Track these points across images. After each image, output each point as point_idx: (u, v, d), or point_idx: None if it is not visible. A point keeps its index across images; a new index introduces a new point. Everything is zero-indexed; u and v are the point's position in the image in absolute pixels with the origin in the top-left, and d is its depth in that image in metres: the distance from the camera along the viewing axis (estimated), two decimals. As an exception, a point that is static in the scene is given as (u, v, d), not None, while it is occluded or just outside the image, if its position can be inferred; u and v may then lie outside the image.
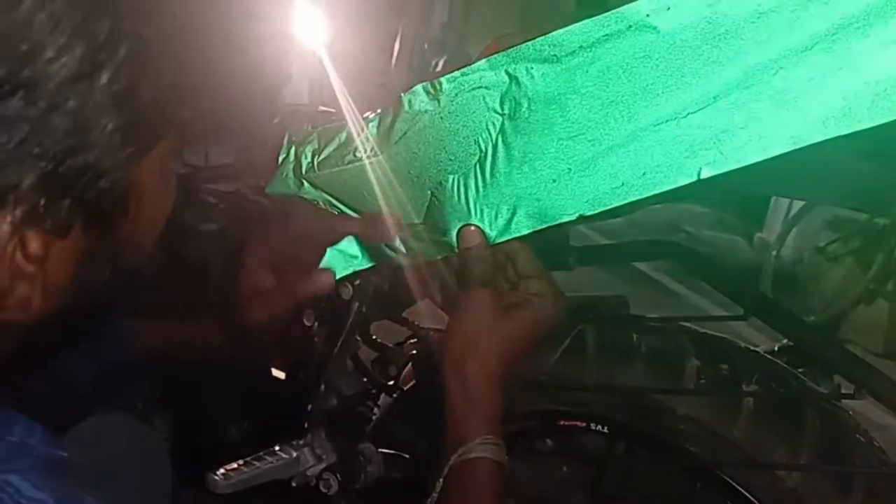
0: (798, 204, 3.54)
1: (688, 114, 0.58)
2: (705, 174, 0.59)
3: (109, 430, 0.68)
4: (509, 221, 0.70)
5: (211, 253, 0.98)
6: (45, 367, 0.72)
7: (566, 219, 0.66)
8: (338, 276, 0.88)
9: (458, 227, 0.73)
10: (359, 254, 0.87)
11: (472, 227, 0.71)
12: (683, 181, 0.60)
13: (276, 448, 0.87)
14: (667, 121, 0.59)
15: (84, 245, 0.45)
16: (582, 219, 0.65)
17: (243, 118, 0.54)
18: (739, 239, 4.95)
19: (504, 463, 0.69)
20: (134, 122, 0.42)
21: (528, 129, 0.65)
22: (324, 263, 0.89)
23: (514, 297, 0.72)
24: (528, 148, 0.66)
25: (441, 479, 0.68)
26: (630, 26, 0.58)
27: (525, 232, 0.69)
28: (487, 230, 0.72)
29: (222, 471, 0.81)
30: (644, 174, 0.61)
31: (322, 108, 1.04)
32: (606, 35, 0.60)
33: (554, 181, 0.65)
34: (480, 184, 0.70)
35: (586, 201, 0.64)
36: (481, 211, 0.71)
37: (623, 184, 0.62)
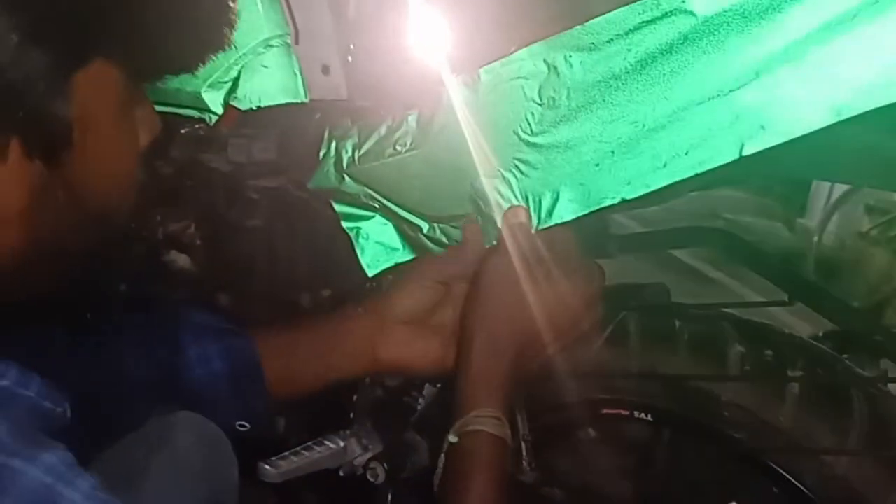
0: (839, 189, 3.47)
1: (729, 91, 0.58)
2: (748, 151, 0.59)
3: (178, 428, 0.68)
4: (553, 207, 0.70)
5: (256, 248, 1.00)
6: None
7: (609, 202, 0.66)
8: (380, 269, 0.89)
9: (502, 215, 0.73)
10: (400, 246, 0.88)
11: (521, 208, 0.71)
12: (726, 159, 0.60)
13: (324, 439, 0.88)
14: (709, 99, 0.59)
15: (31, 176, 0.45)
16: (624, 203, 0.65)
17: (193, 49, 0.53)
18: (780, 225, 4.87)
19: (504, 437, 0.67)
20: (40, 29, 0.41)
21: (569, 117, 0.66)
22: (366, 257, 0.90)
23: (540, 276, 0.71)
24: (570, 134, 0.66)
25: (443, 454, 0.68)
26: (666, 12, 0.59)
27: (569, 218, 0.70)
28: (532, 217, 0.72)
29: (273, 460, 0.82)
30: (687, 153, 0.61)
31: (361, 103, 1.05)
32: (644, 21, 0.60)
33: (597, 165, 0.66)
34: (522, 173, 0.71)
35: (629, 184, 0.65)
36: (525, 199, 0.72)
37: (666, 164, 0.62)
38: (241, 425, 0.75)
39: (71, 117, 0.45)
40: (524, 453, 0.85)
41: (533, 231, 0.71)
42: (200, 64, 0.55)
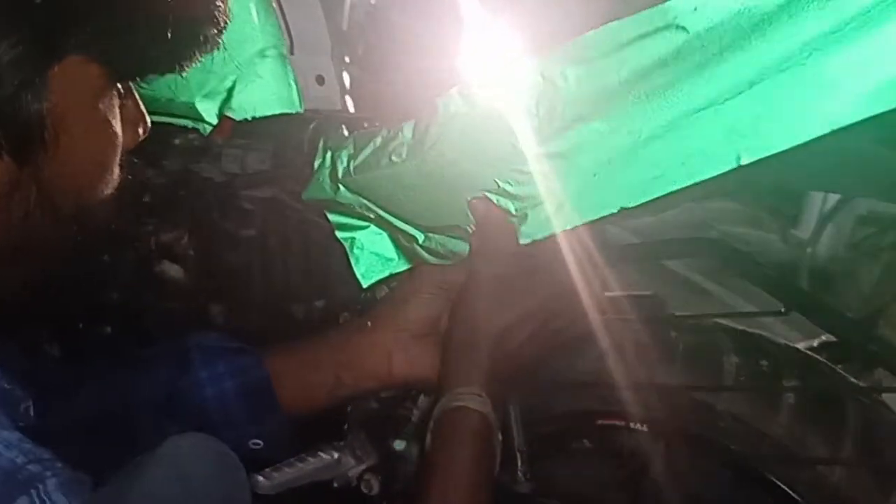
0: (832, 200, 3.49)
1: (724, 100, 0.59)
2: (744, 160, 0.59)
3: (191, 453, 0.67)
4: (550, 218, 0.70)
5: (250, 259, 0.99)
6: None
7: (606, 212, 0.66)
8: (375, 279, 0.89)
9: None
10: (395, 256, 0.88)
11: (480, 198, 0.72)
12: (723, 168, 0.60)
13: (318, 450, 0.88)
14: (704, 108, 0.59)
15: (3, 174, 0.44)
16: (623, 212, 0.65)
17: (175, 49, 0.51)
18: (773, 237, 4.88)
19: (486, 413, 0.66)
20: (11, 22, 0.41)
21: (566, 128, 0.66)
22: (360, 267, 0.89)
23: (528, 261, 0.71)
24: (567, 145, 0.66)
25: (428, 434, 0.67)
26: (658, 28, 0.59)
27: (566, 228, 0.69)
28: (529, 228, 0.72)
29: (267, 471, 0.81)
30: (683, 163, 0.61)
31: (355, 113, 1.05)
32: (636, 36, 0.60)
33: (594, 175, 0.66)
34: (519, 184, 0.71)
35: (627, 194, 0.65)
36: (522, 210, 0.72)
37: (663, 174, 0.63)
38: (254, 443, 0.74)
39: (44, 113, 0.44)
40: (520, 463, 0.84)
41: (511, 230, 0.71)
42: (185, 64, 0.53)
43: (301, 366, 0.75)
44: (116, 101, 0.52)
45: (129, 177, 0.56)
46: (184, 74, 0.55)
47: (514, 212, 0.72)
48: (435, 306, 0.76)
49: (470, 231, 0.76)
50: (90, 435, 0.68)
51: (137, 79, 0.54)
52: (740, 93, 0.58)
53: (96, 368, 0.73)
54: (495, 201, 0.73)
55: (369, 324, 0.76)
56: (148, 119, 0.57)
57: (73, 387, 0.70)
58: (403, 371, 0.75)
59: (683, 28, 0.58)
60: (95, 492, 0.53)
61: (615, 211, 0.66)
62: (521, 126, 0.68)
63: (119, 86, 0.52)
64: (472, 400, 0.66)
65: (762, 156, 0.58)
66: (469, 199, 0.74)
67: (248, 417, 0.72)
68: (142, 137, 0.57)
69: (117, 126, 0.52)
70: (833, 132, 0.56)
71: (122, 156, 0.55)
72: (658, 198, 0.64)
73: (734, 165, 0.59)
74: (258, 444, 0.74)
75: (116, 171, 0.53)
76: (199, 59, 0.54)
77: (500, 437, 0.68)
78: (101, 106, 0.50)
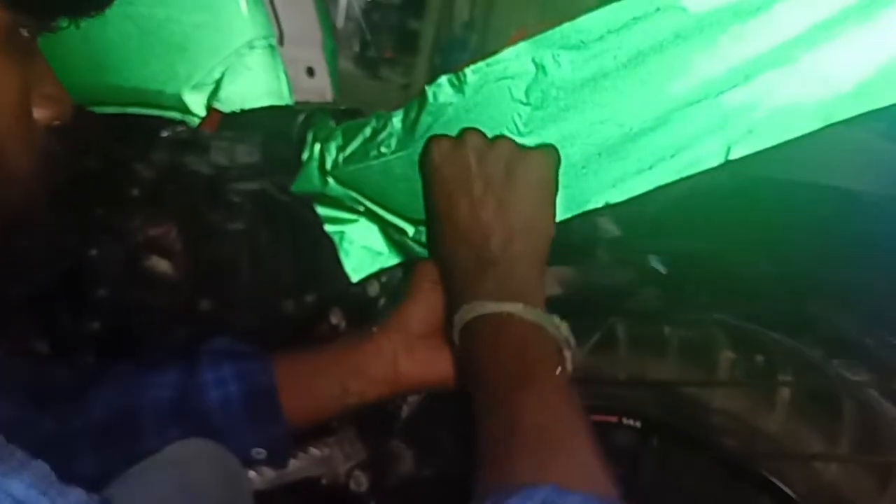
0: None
1: (718, 93, 0.58)
2: (734, 155, 0.58)
3: (194, 457, 0.66)
4: None
5: (239, 253, 0.99)
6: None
7: (594, 205, 0.65)
8: (365, 274, 0.88)
9: None
10: (385, 249, 0.87)
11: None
12: (713, 163, 0.59)
13: (308, 446, 0.87)
14: (697, 101, 0.59)
15: None
16: (609, 206, 0.64)
17: None
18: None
19: (500, 312, 0.60)
20: None
21: (557, 117, 0.65)
22: (350, 262, 0.88)
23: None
24: (557, 135, 0.65)
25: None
26: (658, 8, 0.58)
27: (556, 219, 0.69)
28: None
29: (259, 467, 0.80)
30: (673, 156, 0.61)
31: (344, 106, 1.04)
32: (635, 18, 0.59)
33: (583, 167, 0.65)
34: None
35: (615, 187, 0.64)
36: None
37: (652, 167, 0.62)
38: (257, 452, 0.72)
39: None
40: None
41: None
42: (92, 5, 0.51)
43: (307, 374, 0.73)
44: (17, 55, 0.49)
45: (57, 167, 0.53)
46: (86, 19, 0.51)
47: None
48: (435, 303, 0.74)
49: None
50: (98, 438, 0.67)
51: (38, 21, 0.50)
52: (734, 86, 0.58)
53: (106, 372, 0.71)
54: None
55: (374, 330, 0.75)
56: (67, 97, 0.54)
57: (80, 389, 0.69)
58: (411, 373, 0.73)
59: (684, 9, 0.57)
60: (99, 496, 0.52)
61: (602, 205, 0.65)
62: (512, 114, 0.66)
63: (25, 37, 0.49)
64: (507, 306, 0.61)
65: (753, 150, 0.58)
66: None
67: (251, 423, 0.70)
68: (61, 117, 0.54)
69: (13, 79, 0.49)
70: (823, 128, 0.55)
71: (37, 132, 0.52)
72: (646, 193, 0.63)
73: (724, 160, 0.59)
74: (261, 454, 0.72)
75: (16, 141, 0.49)
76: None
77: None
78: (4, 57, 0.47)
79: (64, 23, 0.51)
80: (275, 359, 0.72)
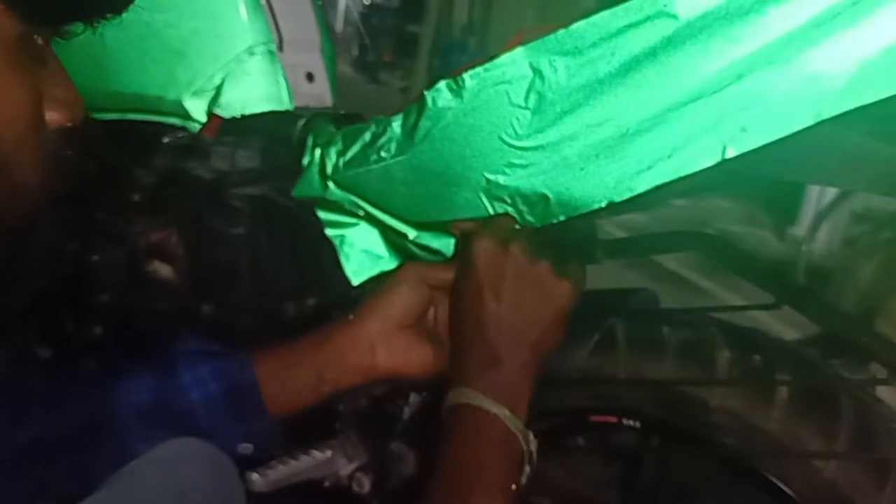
0: (828, 198, 3.50)
1: (712, 93, 0.59)
2: (730, 153, 0.59)
3: (183, 457, 0.67)
4: (539, 212, 0.70)
5: (240, 257, 0.99)
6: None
7: (595, 207, 0.66)
8: (365, 277, 0.88)
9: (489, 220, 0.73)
10: (385, 253, 0.88)
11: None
12: (709, 161, 0.60)
13: (310, 448, 0.87)
14: (692, 101, 0.60)
15: None
16: (612, 206, 0.65)
17: None
18: (769, 234, 4.90)
19: (484, 407, 0.66)
20: None
21: (555, 121, 0.66)
22: (350, 265, 0.89)
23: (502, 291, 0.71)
24: (556, 138, 0.66)
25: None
26: (648, 16, 0.59)
27: (556, 221, 0.69)
28: (519, 222, 0.72)
29: (261, 468, 0.81)
30: (670, 156, 0.62)
31: (344, 111, 1.05)
32: (627, 25, 0.60)
33: (582, 169, 0.66)
34: (508, 177, 0.70)
35: (614, 188, 0.65)
36: (512, 203, 0.71)
37: (650, 167, 0.63)
38: (244, 448, 0.73)
39: None
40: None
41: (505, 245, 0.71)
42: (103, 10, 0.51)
43: (283, 367, 0.74)
44: (31, 63, 0.49)
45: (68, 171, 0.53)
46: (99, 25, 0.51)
47: (503, 204, 0.72)
48: (417, 297, 0.75)
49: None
50: (77, 445, 0.67)
51: (50, 28, 0.51)
52: (728, 85, 0.59)
53: (80, 377, 0.72)
54: (484, 193, 0.72)
55: (351, 317, 0.76)
56: (79, 99, 0.54)
57: (57, 396, 0.69)
58: (388, 363, 0.74)
59: (674, 16, 0.58)
60: (90, 498, 0.53)
61: (603, 206, 0.66)
62: (510, 118, 0.67)
63: (38, 43, 0.49)
64: (475, 397, 0.67)
65: (748, 148, 0.59)
66: (457, 198, 0.74)
67: (234, 419, 0.71)
68: (72, 120, 0.54)
69: (26, 89, 0.49)
70: (818, 123, 0.56)
71: (45, 135, 0.51)
72: (646, 192, 0.64)
73: (720, 159, 0.60)
74: (248, 449, 0.73)
75: (28, 150, 0.49)
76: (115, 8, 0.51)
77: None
78: (13, 64, 0.47)
79: (79, 28, 0.51)
80: (253, 355, 0.74)
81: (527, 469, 0.68)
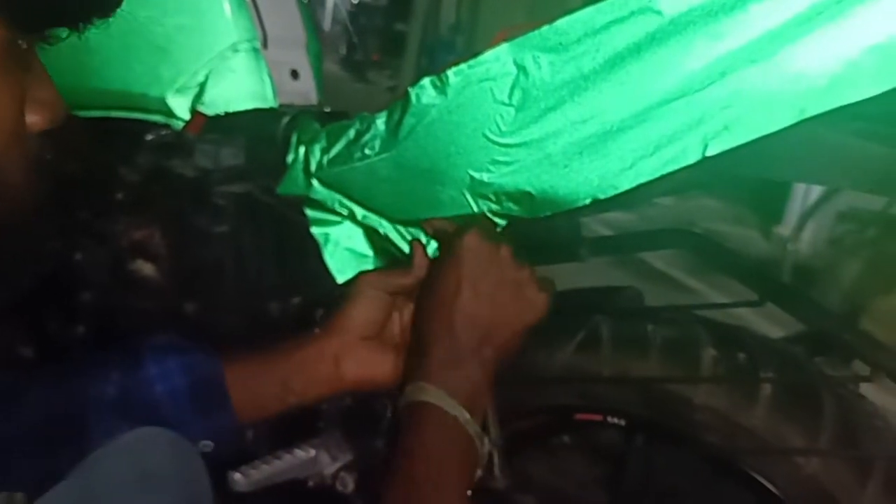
0: (813, 197, 3.52)
1: (695, 91, 0.59)
2: (711, 151, 0.59)
3: (148, 444, 0.66)
4: (522, 210, 0.70)
5: (224, 255, 0.98)
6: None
7: (581, 203, 0.66)
8: (350, 275, 0.88)
9: (470, 219, 0.73)
10: (370, 252, 0.87)
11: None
12: (691, 159, 0.60)
13: (293, 448, 0.87)
14: (676, 98, 0.60)
15: None
16: (596, 203, 0.65)
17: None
18: (755, 233, 4.92)
19: (445, 409, 0.66)
20: None
21: (539, 118, 0.65)
22: (335, 263, 0.89)
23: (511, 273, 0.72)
24: (539, 135, 0.66)
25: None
26: (633, 12, 0.59)
27: (539, 215, 0.69)
28: (501, 219, 0.72)
29: (243, 468, 0.81)
30: (653, 154, 0.62)
31: (329, 109, 1.05)
32: (611, 21, 0.60)
33: (566, 166, 0.66)
34: (492, 174, 0.70)
35: (597, 185, 0.65)
36: (496, 200, 0.71)
37: (632, 165, 0.63)
38: (205, 445, 0.73)
39: None
40: (496, 459, 0.84)
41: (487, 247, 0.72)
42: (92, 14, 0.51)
43: (250, 375, 0.74)
44: (15, 68, 0.49)
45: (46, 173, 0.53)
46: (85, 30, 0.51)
47: (486, 201, 0.72)
48: (376, 308, 0.76)
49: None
50: (38, 440, 0.67)
51: (36, 34, 0.50)
52: (710, 83, 0.59)
53: (43, 372, 0.72)
54: (468, 190, 0.72)
55: (316, 331, 0.76)
56: (60, 101, 0.54)
57: (20, 392, 0.69)
58: (354, 374, 0.75)
59: (659, 12, 0.58)
60: (55, 487, 0.52)
61: (586, 203, 0.66)
62: (494, 115, 0.67)
63: (22, 48, 0.49)
64: (433, 394, 0.67)
65: (730, 146, 0.59)
66: (441, 195, 0.73)
67: (197, 414, 0.72)
68: (53, 122, 0.54)
69: (10, 94, 0.49)
70: (802, 121, 0.56)
71: (30, 141, 0.52)
72: (630, 189, 0.64)
73: (701, 156, 0.60)
74: (208, 447, 0.73)
75: (10, 153, 0.49)
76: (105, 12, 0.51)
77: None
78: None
79: (64, 33, 0.51)
80: (222, 358, 0.74)
81: (478, 472, 0.68)
